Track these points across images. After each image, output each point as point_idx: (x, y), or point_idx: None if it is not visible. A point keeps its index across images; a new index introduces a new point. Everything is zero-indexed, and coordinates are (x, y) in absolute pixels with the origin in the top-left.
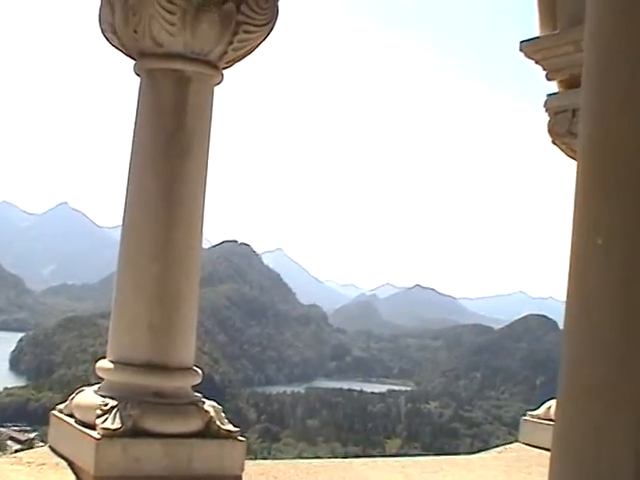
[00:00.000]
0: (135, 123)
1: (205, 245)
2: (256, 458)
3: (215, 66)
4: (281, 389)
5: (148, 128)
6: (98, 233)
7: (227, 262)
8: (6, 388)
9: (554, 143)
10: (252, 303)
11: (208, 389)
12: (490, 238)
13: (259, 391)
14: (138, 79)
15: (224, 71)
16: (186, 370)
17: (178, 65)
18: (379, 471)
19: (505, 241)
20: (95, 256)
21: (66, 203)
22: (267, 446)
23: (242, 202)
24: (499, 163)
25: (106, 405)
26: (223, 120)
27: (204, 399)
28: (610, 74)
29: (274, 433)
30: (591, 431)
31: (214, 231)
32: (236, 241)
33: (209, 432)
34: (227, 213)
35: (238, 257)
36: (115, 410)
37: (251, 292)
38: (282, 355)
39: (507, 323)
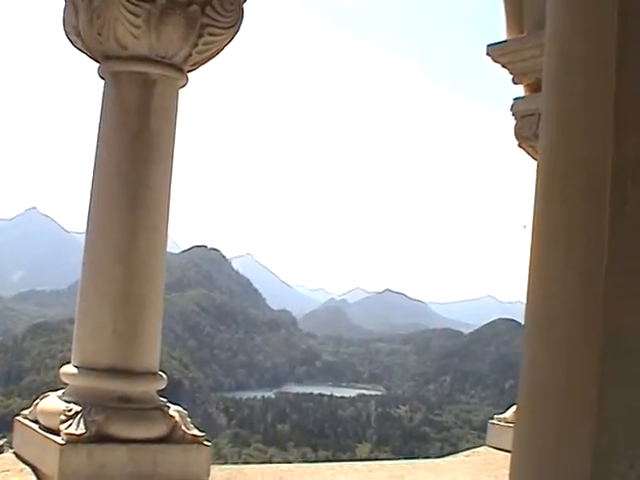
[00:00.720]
0: (99, 126)
1: (174, 250)
2: (226, 463)
3: (180, 69)
4: (251, 394)
5: (112, 130)
6: (67, 238)
7: (196, 267)
8: None
9: (520, 146)
10: (222, 308)
11: (178, 394)
12: (459, 243)
13: (229, 396)
14: (102, 82)
15: (190, 74)
16: (151, 375)
17: (143, 68)
18: (346, 475)
19: (474, 246)
20: (64, 261)
21: (35, 208)
22: (237, 451)
23: (211, 207)
24: (466, 168)
25: (70, 410)
26: (191, 123)
27: (169, 404)
28: (570, 76)
29: (244, 438)
30: (551, 432)
31: (183, 236)
32: (205, 246)
33: (174, 437)
34: (196, 218)
35: (207, 262)
36: (79, 415)
37: (221, 297)
38: (252, 360)
39: (476, 327)
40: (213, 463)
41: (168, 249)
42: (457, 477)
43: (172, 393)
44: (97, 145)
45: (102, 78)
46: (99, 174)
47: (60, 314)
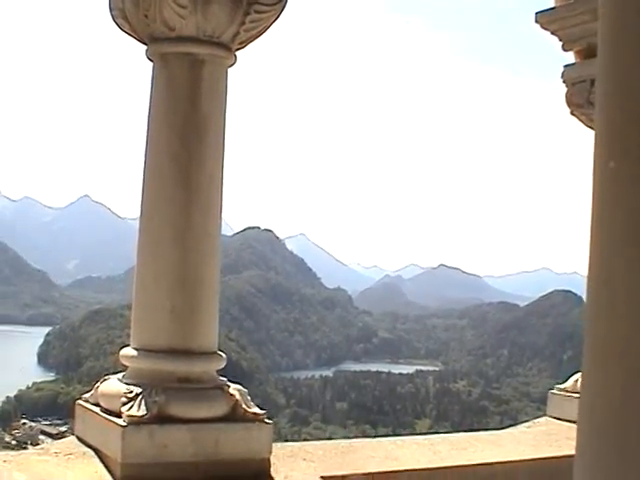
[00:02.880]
0: (149, 109)
1: (228, 232)
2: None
3: (228, 48)
4: (309, 373)
5: (163, 113)
6: (120, 225)
7: (250, 249)
8: (35, 383)
9: (573, 114)
10: (277, 289)
11: (236, 376)
12: (513, 216)
13: (287, 376)
14: (151, 64)
15: (237, 52)
16: (210, 354)
17: (191, 48)
18: (408, 449)
19: (528, 218)
20: (118, 248)
21: (87, 196)
22: (297, 430)
23: (264, 188)
24: (520, 140)
25: (131, 392)
26: (242, 104)
27: (229, 383)
28: (625, 41)
29: (303, 417)
30: (616, 402)
31: (236, 218)
32: (259, 227)
33: (235, 416)
34: (249, 200)
35: (261, 243)
36: (140, 397)
37: (276, 278)
38: (309, 339)
39: (532, 300)
40: (274, 441)
41: (223, 231)
42: (519, 448)
43: (230, 374)
44: (148, 128)
45: (150, 60)
46: (151, 157)
47: (117, 300)
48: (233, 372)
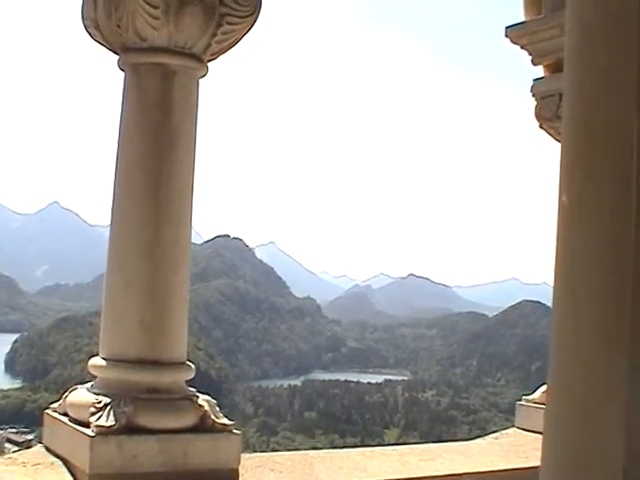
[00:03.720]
0: (120, 119)
1: (197, 240)
2: (255, 452)
3: (200, 59)
4: (278, 382)
5: (134, 123)
6: (90, 232)
7: (220, 257)
8: (2, 390)
9: (541, 127)
10: (246, 297)
11: (204, 385)
12: (482, 226)
13: (255, 385)
14: (122, 74)
15: (209, 64)
16: (179, 365)
17: (163, 59)
18: (376, 460)
19: (497, 229)
20: (87, 255)
21: (57, 202)
22: (265, 440)
23: (234, 197)
24: (490, 151)
25: (100, 402)
26: (212, 113)
27: (198, 393)
28: (592, 52)
29: (272, 427)
30: (581, 413)
31: (206, 226)
32: (228, 236)
33: (204, 426)
34: (219, 208)
35: (231, 252)
36: (109, 407)
37: (245, 286)
38: (277, 348)
39: (501, 310)
40: (242, 451)
41: (192, 240)
42: (487, 459)
43: (199, 384)
44: (119, 138)
45: (122, 70)
46: (122, 167)
47: (85, 307)
48: (201, 381)
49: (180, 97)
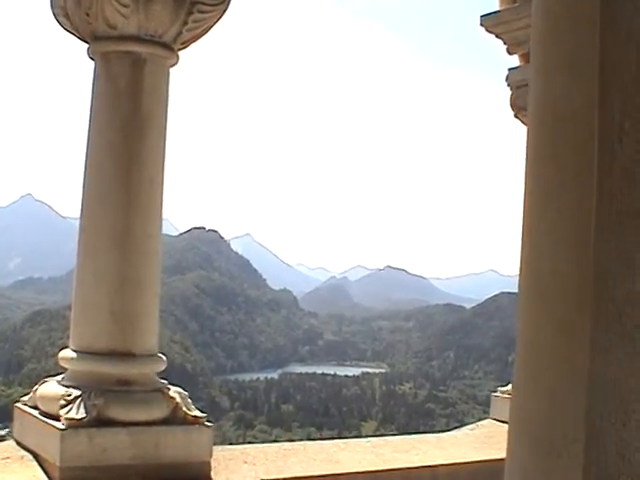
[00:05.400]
0: (91, 108)
1: (173, 233)
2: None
3: (170, 47)
4: (254, 376)
5: (104, 112)
6: (63, 224)
7: (195, 249)
8: None
9: (516, 117)
10: (222, 290)
11: (180, 378)
12: (460, 218)
13: (232, 379)
14: (92, 63)
15: (180, 52)
16: (150, 357)
17: (132, 47)
18: (350, 452)
19: (475, 220)
20: (61, 247)
21: (30, 195)
22: (242, 433)
23: (210, 188)
24: (467, 142)
25: (70, 395)
26: (188, 102)
27: (170, 385)
28: (556, 37)
29: (248, 420)
30: (545, 405)
31: (182, 218)
32: (204, 228)
33: (175, 419)
34: (194, 200)
35: (206, 244)
36: (79, 400)
37: (220, 279)
38: (254, 341)
39: (479, 302)
40: (216, 445)
41: (166, 232)
42: (461, 450)
43: (174, 377)
44: (89, 127)
45: (92, 59)
46: (92, 157)
47: (59, 301)
48: (177, 375)
49: (150, 86)
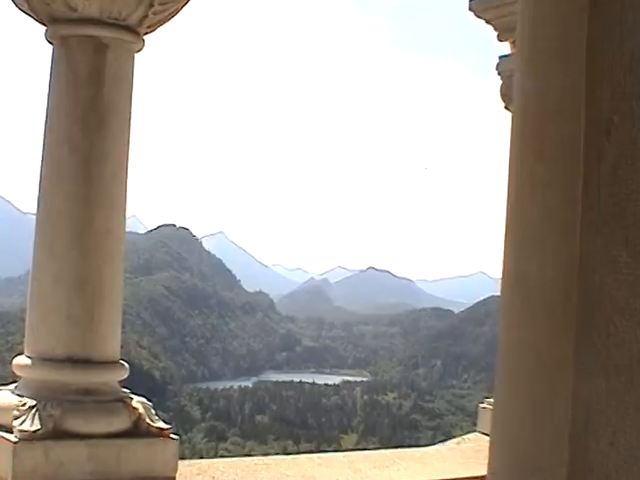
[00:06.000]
0: (48, 96)
1: (140, 230)
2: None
3: (135, 31)
4: (227, 384)
5: (63, 100)
6: (22, 220)
7: (165, 248)
8: None
9: (507, 108)
10: (193, 292)
11: (147, 386)
12: (448, 216)
13: (203, 387)
14: (51, 47)
15: (146, 37)
16: (111, 364)
17: (94, 31)
18: (326, 467)
19: (464, 219)
20: (20, 246)
21: None
22: (213, 446)
23: (180, 183)
24: (455, 138)
25: (24, 405)
26: (155, 92)
27: (132, 395)
28: (543, 28)
29: (220, 432)
30: (528, 414)
31: (150, 215)
32: (174, 225)
33: (138, 430)
34: (163, 195)
35: (176, 242)
36: (34, 410)
37: (191, 280)
38: (227, 347)
39: (468, 306)
40: (186, 458)
41: (134, 229)
42: (445, 466)
43: (141, 385)
44: (46, 116)
45: (50, 43)
46: (50, 148)
47: (17, 303)
48: (144, 382)
49: (113, 72)
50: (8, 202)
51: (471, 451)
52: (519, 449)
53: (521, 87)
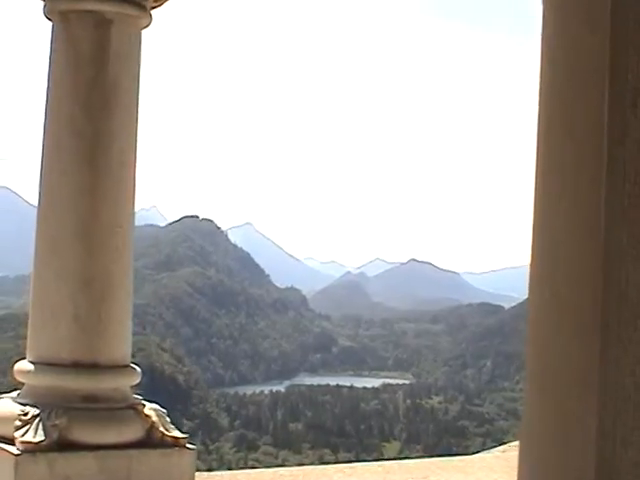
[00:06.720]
0: (48, 76)
1: (161, 222)
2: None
3: (141, 5)
4: (257, 389)
5: (63, 81)
6: (31, 213)
7: (188, 242)
8: None
9: None
10: (219, 288)
11: (170, 392)
12: (496, 202)
13: (231, 392)
14: (50, 24)
15: (153, 11)
16: (121, 368)
17: (95, 5)
18: (358, 477)
19: (513, 205)
20: (29, 241)
21: None
22: (243, 456)
23: (203, 170)
24: (504, 119)
25: (26, 414)
26: (174, 70)
27: (145, 402)
28: (573, 4)
29: (251, 441)
30: (556, 417)
31: (171, 206)
32: (197, 216)
33: (151, 440)
34: (186, 184)
35: (200, 235)
36: (37, 420)
37: (217, 276)
38: (257, 348)
39: (520, 301)
40: (213, 470)
41: (153, 221)
42: (490, 475)
43: (163, 391)
44: (47, 99)
45: (49, 19)
46: (51, 133)
47: (28, 304)
48: (166, 388)
49: (117, 50)
50: (15, 194)
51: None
52: (547, 455)
53: (550, 59)
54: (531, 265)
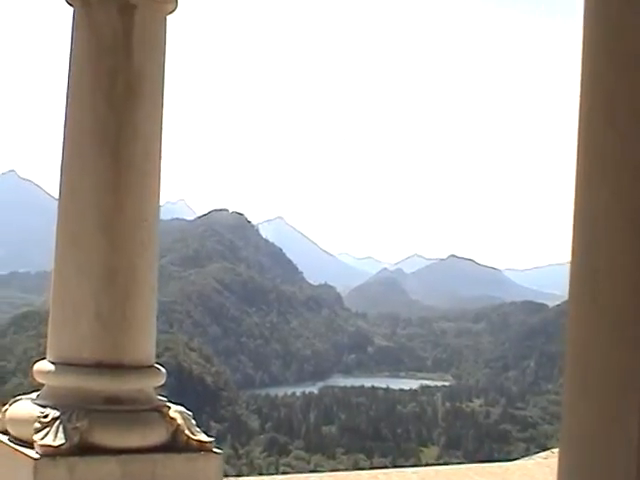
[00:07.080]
0: (70, 64)
1: (189, 216)
2: (262, 475)
3: None
4: (289, 390)
5: (85, 69)
6: (55, 207)
7: (216, 236)
8: None
9: None
10: (249, 285)
11: (198, 393)
12: (538, 196)
13: (262, 394)
14: (71, 10)
15: None
16: (145, 369)
17: None
18: None
19: (556, 199)
20: (52, 236)
21: (13, 171)
22: (274, 461)
23: (232, 163)
24: (545, 115)
25: (46, 417)
26: (193, 58)
27: (169, 404)
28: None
29: (282, 445)
30: (600, 422)
31: (199, 199)
32: (227, 210)
33: (176, 444)
34: (215, 177)
35: (230, 229)
36: (58, 422)
37: (247, 272)
38: (289, 348)
39: (564, 299)
40: (243, 475)
41: (181, 215)
42: None
43: (191, 392)
44: (67, 86)
45: (70, 5)
46: (73, 123)
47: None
48: (194, 389)
49: (142, 36)
50: (38, 186)
51: None
52: (587, 461)
53: (590, 40)
54: (572, 261)
